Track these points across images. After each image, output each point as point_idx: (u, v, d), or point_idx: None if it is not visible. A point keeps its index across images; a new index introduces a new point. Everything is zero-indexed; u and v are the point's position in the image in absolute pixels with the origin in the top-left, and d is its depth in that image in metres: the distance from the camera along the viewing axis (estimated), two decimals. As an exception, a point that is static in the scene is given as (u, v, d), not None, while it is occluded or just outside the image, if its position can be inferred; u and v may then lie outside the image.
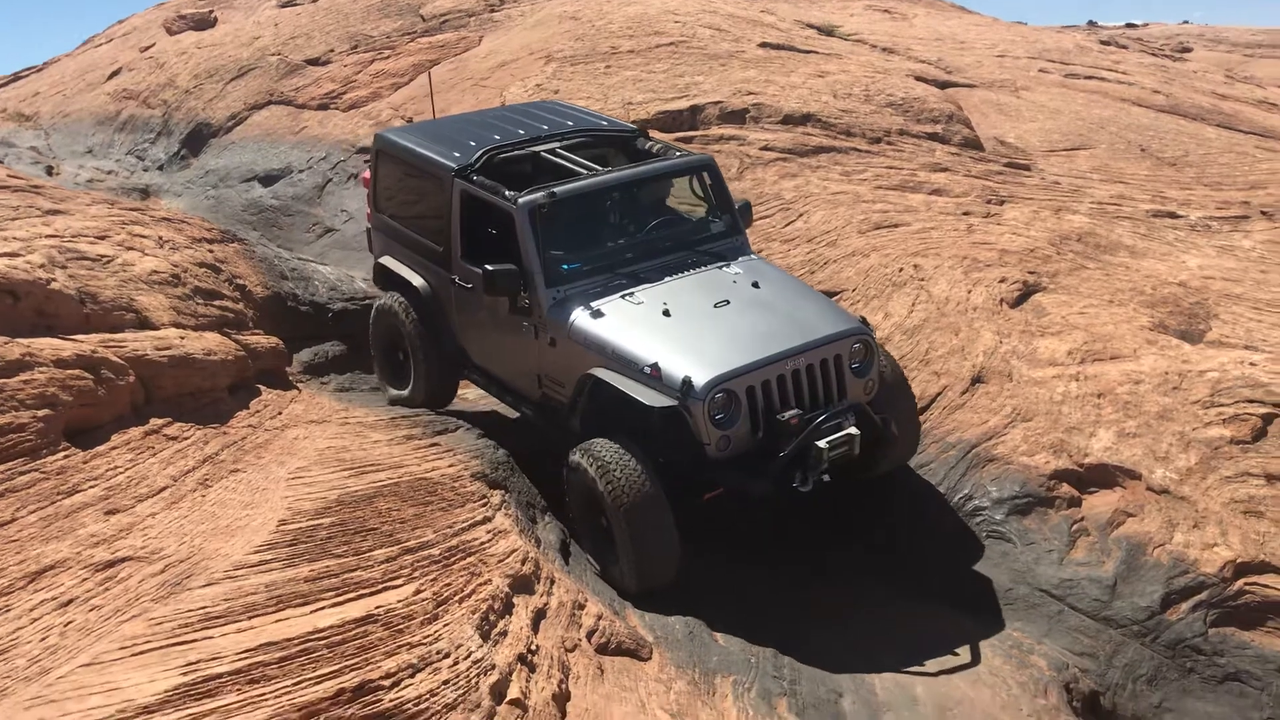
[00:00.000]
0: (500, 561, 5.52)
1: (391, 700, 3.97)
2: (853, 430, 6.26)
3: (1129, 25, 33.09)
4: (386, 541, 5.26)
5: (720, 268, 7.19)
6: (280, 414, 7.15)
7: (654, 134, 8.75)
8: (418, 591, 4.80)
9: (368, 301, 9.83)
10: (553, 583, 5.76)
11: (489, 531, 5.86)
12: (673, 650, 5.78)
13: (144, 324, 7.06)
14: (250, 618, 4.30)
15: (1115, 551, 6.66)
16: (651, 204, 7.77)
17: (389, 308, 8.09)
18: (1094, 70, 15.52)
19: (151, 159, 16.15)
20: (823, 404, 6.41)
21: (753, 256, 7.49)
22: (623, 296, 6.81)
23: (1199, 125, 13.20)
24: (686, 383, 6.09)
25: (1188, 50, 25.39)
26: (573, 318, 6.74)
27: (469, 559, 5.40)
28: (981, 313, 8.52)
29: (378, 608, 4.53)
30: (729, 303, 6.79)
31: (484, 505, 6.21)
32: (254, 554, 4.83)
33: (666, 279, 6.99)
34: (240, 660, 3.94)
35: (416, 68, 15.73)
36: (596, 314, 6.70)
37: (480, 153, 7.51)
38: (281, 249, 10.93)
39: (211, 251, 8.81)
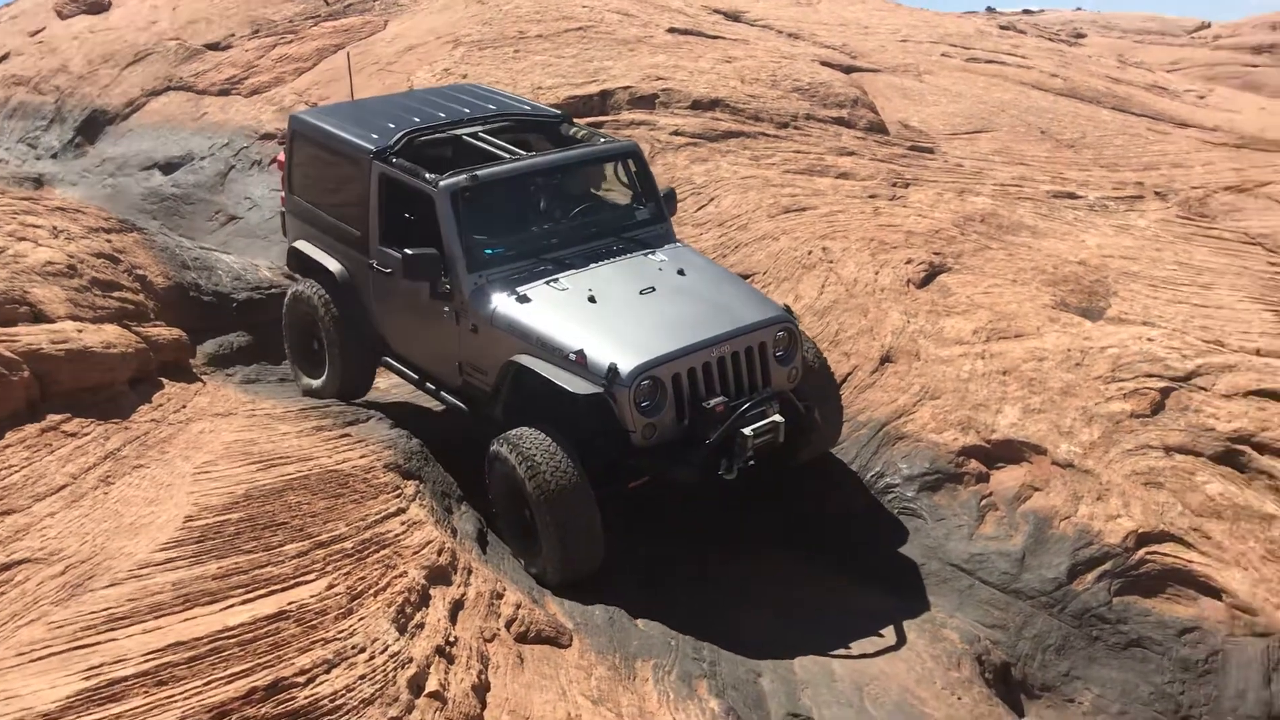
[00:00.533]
0: (415, 553, 5.45)
1: (306, 697, 3.89)
2: (777, 418, 6.30)
3: (1025, 11, 33.85)
4: (297, 536, 5.16)
5: (646, 255, 7.14)
6: (184, 407, 6.97)
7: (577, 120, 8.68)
8: (331, 586, 4.72)
9: (273, 291, 9.63)
10: (470, 573, 5.71)
11: (403, 523, 5.78)
12: (593, 637, 5.77)
13: (39, 317, 6.82)
14: (157, 618, 4.18)
15: (1023, 525, 6.81)
16: (578, 190, 7.68)
17: (304, 295, 7.89)
18: (994, 55, 15.82)
19: (44, 147, 15.59)
20: (747, 392, 6.41)
21: (678, 244, 7.46)
22: (547, 283, 6.72)
23: (1095, 108, 13.55)
24: (612, 369, 6.04)
25: (1082, 36, 26.03)
26: (495, 304, 6.64)
27: (383, 551, 5.33)
28: (889, 293, 8.64)
29: (290, 604, 4.44)
30: (654, 290, 6.76)
31: (398, 496, 6.12)
32: (159, 552, 4.70)
33: (591, 265, 6.92)
34: (147, 662, 3.83)
35: (320, 52, 15.40)
36: (520, 300, 6.60)
37: (400, 135, 7.36)
38: (183, 238, 10.63)
39: (109, 241, 8.54)
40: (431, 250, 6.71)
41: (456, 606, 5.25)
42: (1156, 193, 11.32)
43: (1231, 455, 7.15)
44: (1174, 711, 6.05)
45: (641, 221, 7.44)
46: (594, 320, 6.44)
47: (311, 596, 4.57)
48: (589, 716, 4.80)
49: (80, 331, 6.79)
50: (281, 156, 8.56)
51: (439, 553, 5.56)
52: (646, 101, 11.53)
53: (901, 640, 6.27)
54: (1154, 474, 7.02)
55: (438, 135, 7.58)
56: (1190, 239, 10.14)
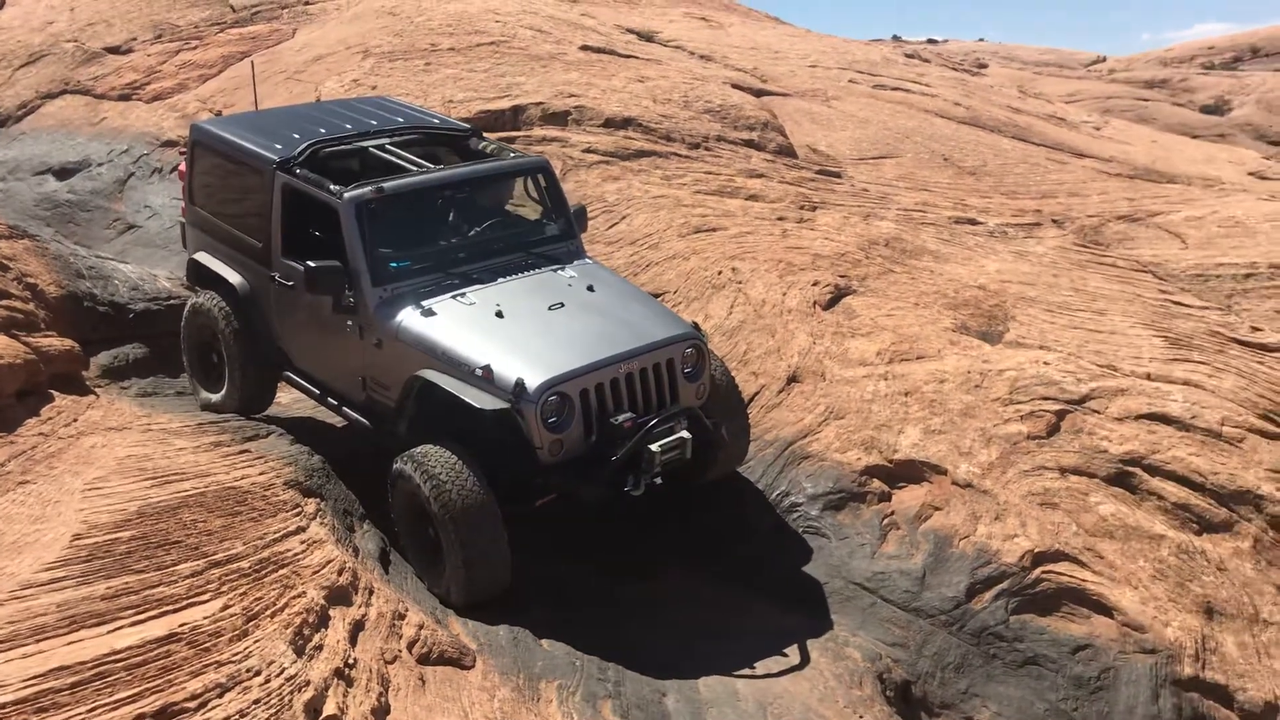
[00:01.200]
0: (315, 573, 5.33)
1: (197, 723, 3.77)
2: (684, 434, 6.29)
3: (930, 41, 34.70)
4: (192, 555, 5.01)
5: (555, 270, 7.11)
6: (75, 421, 6.74)
7: (488, 135, 8.62)
8: (225, 607, 4.59)
9: (172, 301, 9.38)
10: (371, 593, 5.61)
11: (303, 542, 5.66)
12: (497, 657, 5.71)
13: (-81, 326, 6.54)
14: (39, 641, 4.02)
15: (923, 544, 6.93)
16: (486, 205, 7.61)
17: (203, 307, 7.70)
18: (900, 82, 16.17)
19: (-71, 149, 14.99)
20: (655, 408, 6.40)
21: (588, 260, 7.43)
22: (453, 297, 6.64)
23: (996, 137, 13.92)
24: (519, 385, 5.98)
25: (984, 66, 26.78)
26: (400, 318, 6.53)
27: (281, 571, 5.20)
28: (796, 315, 8.74)
29: (182, 625, 4.31)
30: (563, 305, 6.71)
31: (298, 515, 6.00)
32: (44, 571, 4.52)
33: (499, 280, 6.86)
34: (26, 688, 3.67)
35: (226, 59, 15.10)
36: (426, 313, 6.50)
37: (304, 146, 7.25)
38: (78, 246, 10.30)
39: (-3, 249, 8.23)
40: (335, 263, 6.59)
41: (357, 627, 5.15)
42: (1054, 220, 11.67)
43: (1123, 476, 7.36)
44: (1067, 728, 6.19)
45: (551, 237, 7.39)
46: (501, 335, 6.37)
47: (205, 618, 4.44)
48: (491, 739, 4.73)
49: (-36, 341, 6.52)
50: (183, 166, 8.34)
51: (339, 572, 5.45)
52: (559, 118, 11.53)
53: (805, 659, 6.31)
54: (1049, 495, 7.20)
55: (343, 147, 7.47)
56: (1085, 266, 10.45)
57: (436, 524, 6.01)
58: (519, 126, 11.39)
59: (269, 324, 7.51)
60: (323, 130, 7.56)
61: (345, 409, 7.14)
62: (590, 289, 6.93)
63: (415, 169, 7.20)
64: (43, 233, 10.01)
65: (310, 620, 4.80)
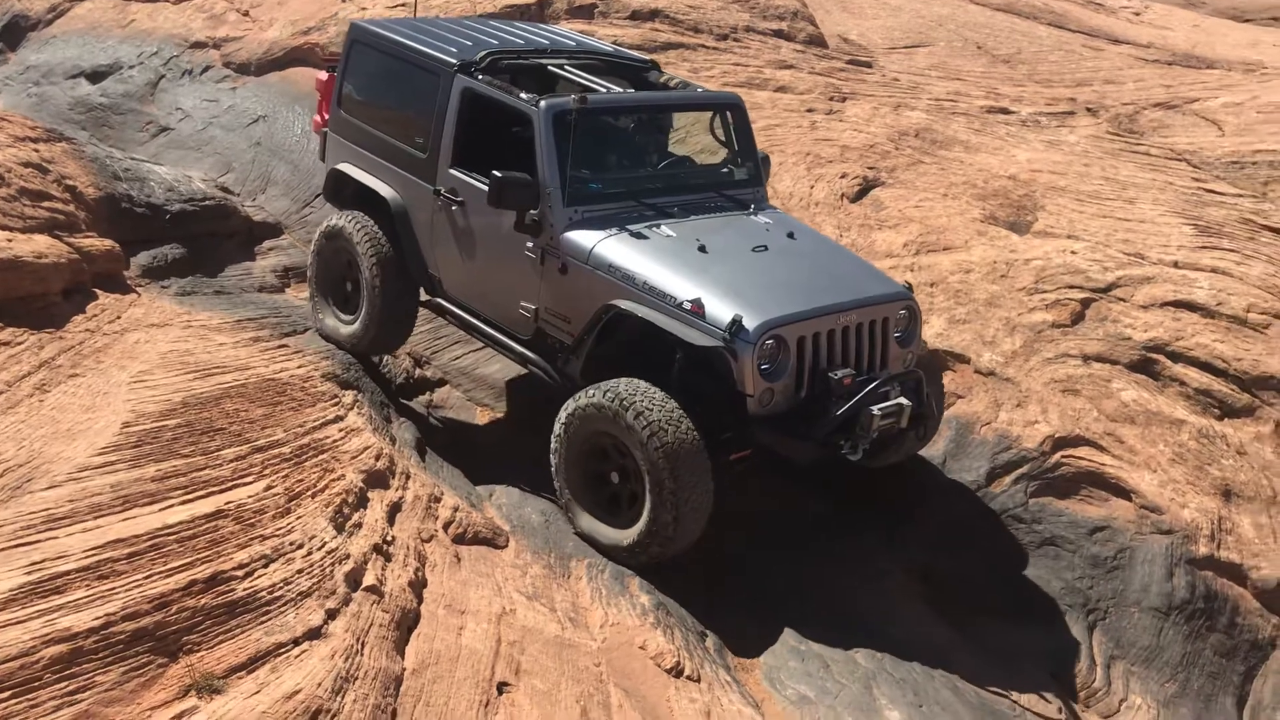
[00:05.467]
0: (354, 458, 5.56)
1: (245, 589, 4.02)
2: (903, 400, 5.78)
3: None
4: (235, 441, 5.24)
5: (747, 214, 6.60)
6: (119, 318, 6.95)
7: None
8: (269, 488, 4.82)
9: (208, 202, 9.53)
10: (408, 478, 5.84)
11: (341, 430, 5.88)
12: (529, 538, 5.95)
13: (-35, 227, 6.74)
14: (96, 518, 4.26)
15: (945, 431, 7.05)
16: (667, 140, 7.22)
17: (342, 230, 7.08)
18: (935, -31, 15.82)
19: (-37, 54, 15.09)
20: (865, 369, 5.90)
21: (777, 210, 6.97)
22: (650, 226, 6.13)
23: (1031, 24, 13.66)
24: (736, 323, 5.43)
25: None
26: (592, 243, 5.98)
27: (321, 456, 5.43)
28: (824, 207, 8.77)
29: (228, 503, 4.55)
30: (766, 249, 6.22)
31: (335, 404, 6.21)
32: (98, 456, 4.76)
33: (693, 217, 6.36)
34: (88, 558, 3.92)
35: (251, -42, 14.98)
36: (624, 240, 5.96)
37: (485, 52, 6.72)
38: (114, 149, 10.45)
39: (37, 151, 8.38)
40: (525, 175, 6.06)
41: (394, 509, 5.39)
42: (1088, 109, 11.51)
43: (1146, 363, 7.44)
44: (1083, 605, 6.37)
45: (740, 181, 6.91)
46: (708, 270, 5.83)
47: (250, 497, 4.67)
48: (523, 610, 4.98)
49: (10, 241, 6.72)
50: (322, 75, 7.94)
51: (376, 458, 5.68)
52: (585, 11, 11.45)
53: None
54: (1072, 381, 7.29)
55: (522, 61, 6.91)
56: (1118, 155, 10.35)
57: (648, 468, 5.46)
58: (544, 20, 11.32)
59: (423, 245, 6.88)
60: (494, 42, 7.04)
61: (509, 341, 6.54)
62: (791, 235, 6.47)
63: (607, 89, 6.64)
64: (79, 136, 10.15)
65: (349, 500, 5.03)
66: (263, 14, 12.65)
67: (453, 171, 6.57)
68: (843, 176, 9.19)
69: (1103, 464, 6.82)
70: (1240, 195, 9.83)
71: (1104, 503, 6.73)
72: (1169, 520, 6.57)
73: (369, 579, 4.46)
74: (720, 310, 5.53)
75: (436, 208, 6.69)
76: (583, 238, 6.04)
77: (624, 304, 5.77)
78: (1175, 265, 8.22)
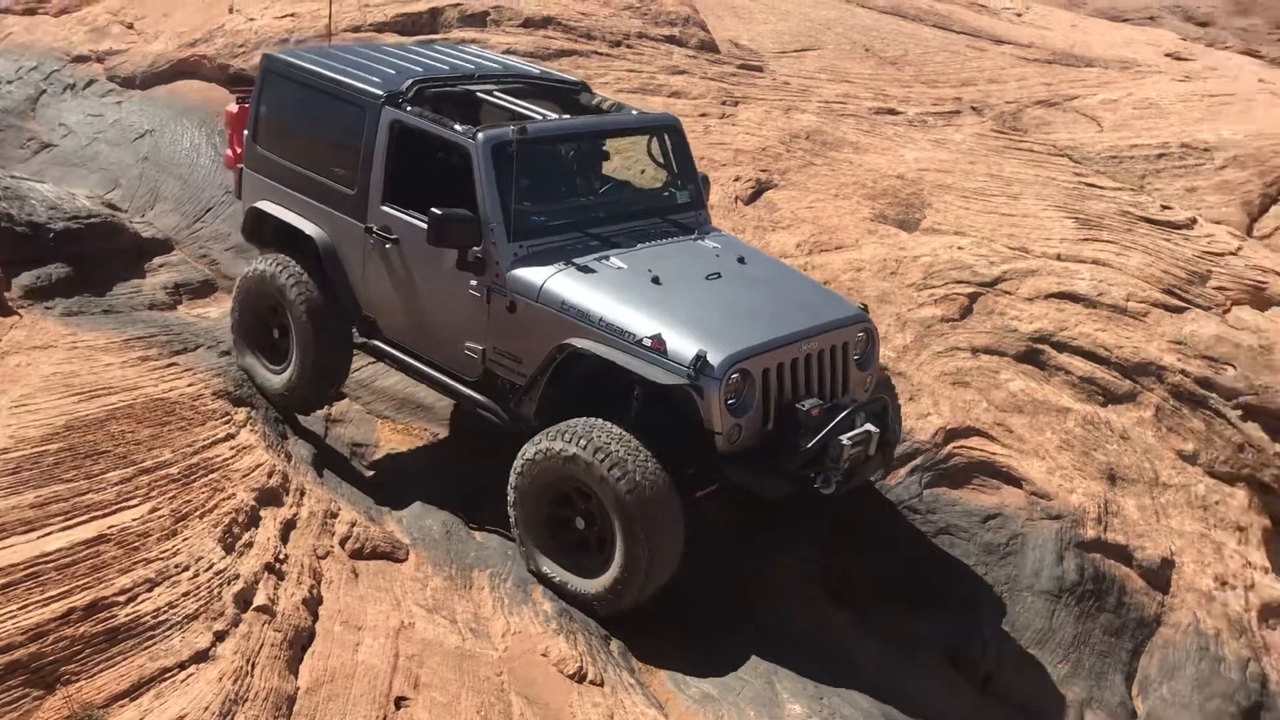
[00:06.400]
0: (245, 476, 5.47)
1: (127, 615, 3.93)
2: (870, 427, 5.63)
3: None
4: (120, 463, 5.12)
5: (695, 240, 6.41)
6: (-2, 341, 6.75)
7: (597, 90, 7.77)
8: (154, 510, 4.73)
9: (93, 219, 9.27)
10: (303, 494, 5.76)
11: (232, 448, 5.78)
12: (430, 550, 5.91)
13: None
14: (-31, 549, 4.13)
15: (841, 426, 7.16)
16: (600, 166, 6.94)
17: (266, 275, 6.66)
18: (824, -28, 16.09)
19: None
20: (828, 396, 5.75)
21: (720, 232, 6.81)
22: (599, 258, 5.89)
23: (917, 26, 13.97)
24: (700, 359, 5.21)
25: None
26: (541, 278, 5.73)
27: (211, 475, 5.34)
28: (719, 210, 8.85)
29: (111, 528, 4.45)
30: (720, 276, 6.01)
31: (227, 422, 6.11)
32: (-29, 485, 4.61)
33: (641, 245, 6.13)
34: (-41, 591, 3.80)
35: (133, -31, 14.63)
36: (574, 275, 5.73)
37: (410, 82, 6.38)
38: (-10, 167, 10.13)
39: (-94, 171, 8.10)
40: (466, 212, 5.77)
41: (288, 526, 5.31)
42: (973, 108, 11.82)
43: (1032, 354, 7.67)
44: (978, 591, 6.50)
45: (682, 205, 6.68)
46: (665, 303, 5.61)
47: (134, 520, 4.58)
48: (423, 623, 4.95)
49: (-123, 265, 6.49)
50: (232, 107, 7.58)
51: (269, 475, 5.60)
52: (478, 19, 11.39)
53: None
54: (961, 374, 7.47)
55: (449, 89, 6.56)
56: (1002, 152, 10.65)
57: (612, 510, 5.25)
58: (437, 29, 11.25)
59: (355, 286, 6.52)
60: (419, 69, 6.70)
61: (455, 384, 6.22)
62: (741, 261, 6.27)
63: (542, 116, 6.38)
64: (-47, 154, 9.82)
65: (240, 520, 4.95)
66: (147, 26, 12.35)
67: (385, 209, 6.23)
68: (736, 179, 9.29)
69: (993, 453, 7.00)
70: (1119, 189, 10.20)
71: (996, 491, 6.90)
72: (1058, 506, 6.77)
73: (260, 598, 4.40)
74: (683, 346, 5.31)
75: (369, 246, 6.34)
76: (530, 274, 5.78)
77: (580, 343, 5.51)
78: (1058, 258, 8.48)
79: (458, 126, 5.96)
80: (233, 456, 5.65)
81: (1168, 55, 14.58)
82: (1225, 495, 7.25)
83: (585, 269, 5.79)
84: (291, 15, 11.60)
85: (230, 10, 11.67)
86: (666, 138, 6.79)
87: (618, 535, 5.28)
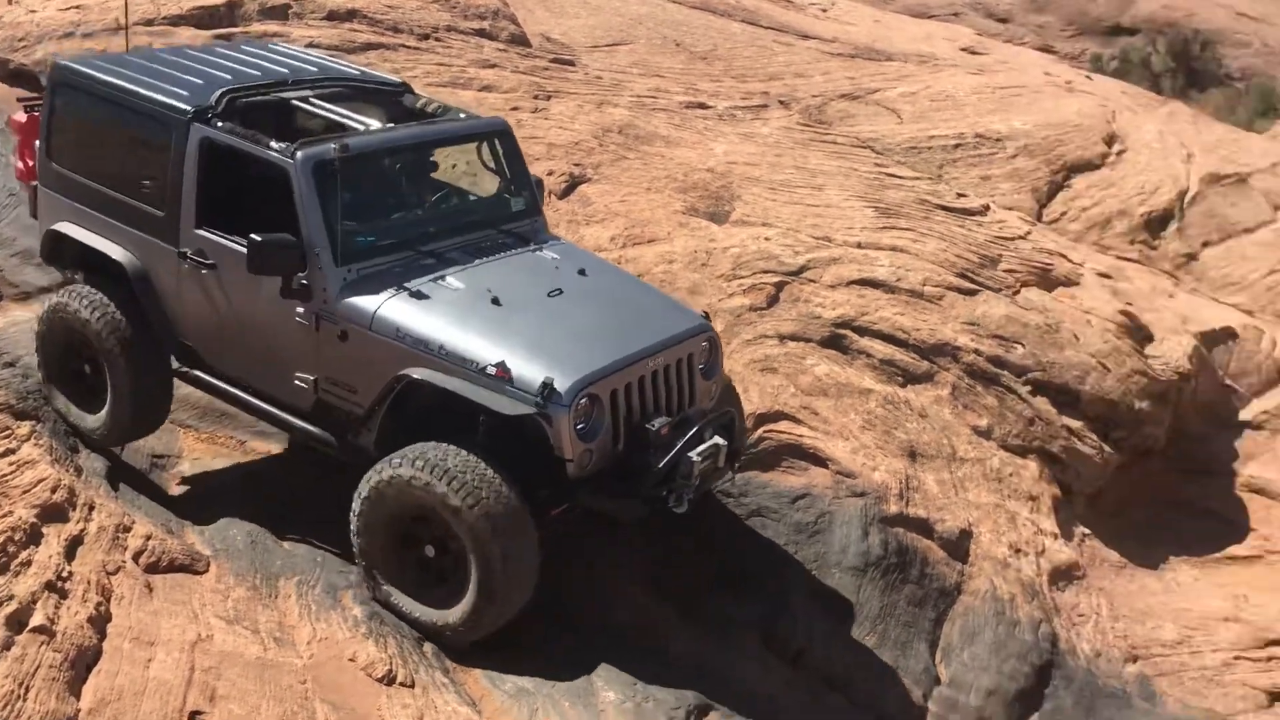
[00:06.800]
0: (25, 493, 5.19)
1: (-120, 647, 3.68)
2: (718, 440, 5.62)
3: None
4: (-122, 485, 4.78)
5: (534, 251, 6.19)
6: None
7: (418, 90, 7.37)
8: (-83, 532, 4.43)
9: None
10: (92, 509, 5.50)
11: (12, 463, 5.48)
12: (233, 560, 5.72)
13: None
14: None
15: (654, 415, 7.25)
16: (432, 176, 6.62)
17: (67, 309, 6.12)
18: (635, -32, 16.26)
19: None
20: (675, 410, 5.70)
21: (559, 240, 6.61)
22: (434, 280, 5.62)
23: (726, 21, 14.27)
24: (547, 386, 5.11)
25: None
26: (374, 305, 5.45)
27: (-14, 493, 5.03)
28: (531, 204, 8.85)
29: None
30: (562, 292, 5.83)
31: (7, 438, 5.77)
32: None
33: (477, 262, 5.89)
34: None
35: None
36: (409, 299, 5.46)
37: (219, 93, 5.95)
38: None
39: None
40: (289, 237, 5.43)
41: (75, 542, 5.06)
42: (780, 101, 12.13)
43: (836, 339, 7.92)
44: (789, 570, 6.69)
45: (518, 213, 6.46)
46: (507, 326, 5.45)
47: (-108, 545, 4.28)
48: (222, 635, 4.79)
49: None
50: (19, 116, 6.95)
51: (53, 490, 5.32)
52: (279, 12, 11.06)
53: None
54: (769, 361, 7.66)
55: (262, 98, 6.19)
56: (808, 144, 10.98)
57: (467, 537, 5.07)
58: (236, 22, 10.86)
59: (171, 313, 6.09)
60: (228, 77, 6.26)
61: (286, 416, 5.91)
62: (582, 273, 6.10)
63: (363, 127, 6.03)
64: None
65: (17, 538, 4.68)
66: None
67: (200, 232, 5.82)
68: (550, 174, 9.28)
69: (800, 436, 7.20)
70: (917, 178, 10.64)
71: (804, 472, 7.09)
72: (862, 483, 7.01)
73: (37, 619, 4.17)
74: (529, 372, 5.18)
75: (183, 272, 5.91)
76: (362, 300, 5.47)
77: (420, 373, 5.29)
78: (859, 246, 8.79)
79: (274, 144, 5.59)
80: (12, 473, 5.34)
81: (963, 50, 15.29)
82: (1018, 467, 7.66)
83: (420, 293, 5.51)
84: (77, 7, 11.01)
85: (9, 1, 11.00)
86: (497, 143, 6.57)
87: (471, 561, 5.11)
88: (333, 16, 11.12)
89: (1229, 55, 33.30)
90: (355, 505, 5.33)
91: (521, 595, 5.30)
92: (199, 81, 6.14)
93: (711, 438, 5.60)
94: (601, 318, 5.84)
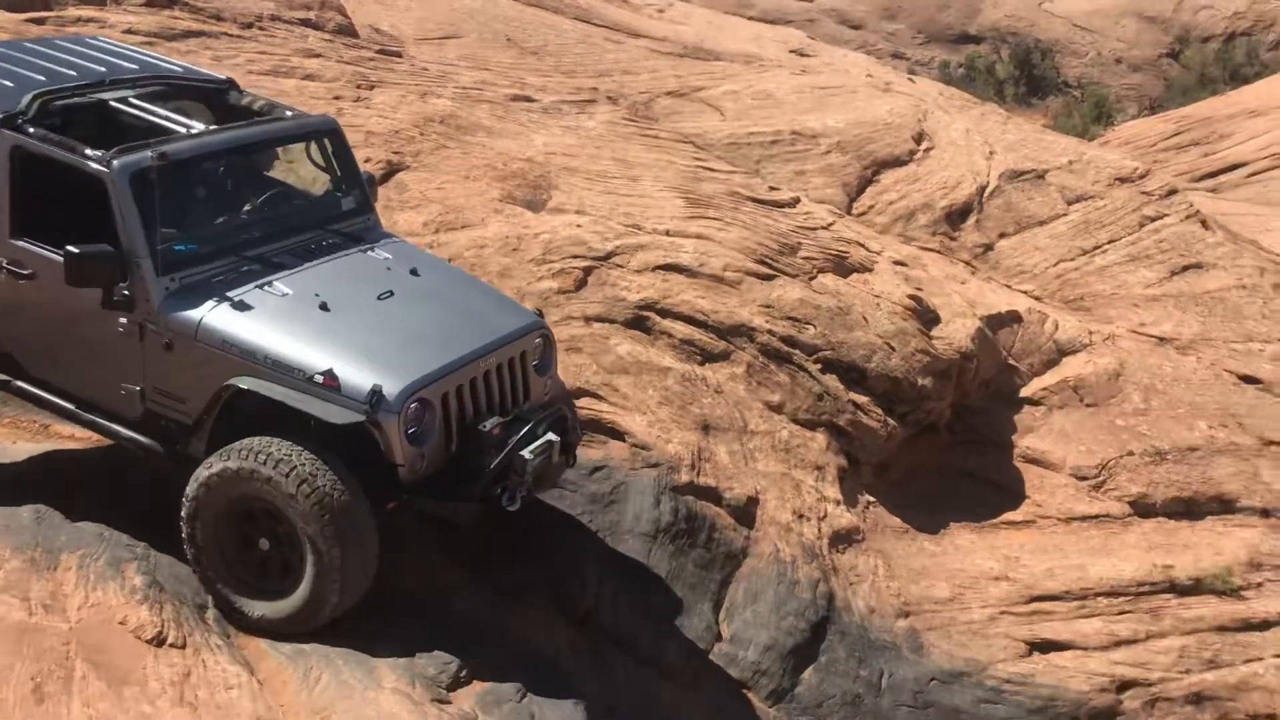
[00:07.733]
0: None
1: None
2: (551, 436, 5.76)
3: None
4: None
5: (365, 252, 6.16)
6: None
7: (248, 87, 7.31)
8: None
9: None
10: None
11: None
12: (15, 536, 5.69)
13: None
14: None
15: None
16: (264, 174, 6.53)
17: None
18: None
19: None
20: (510, 408, 5.78)
21: (393, 238, 6.58)
22: (260, 286, 5.58)
23: (558, 18, 14.56)
24: (376, 393, 5.13)
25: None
26: (198, 314, 5.40)
27: None
28: (345, 191, 8.96)
29: None
30: (393, 294, 5.83)
31: None
32: None
33: (305, 265, 5.84)
34: None
35: None
36: (234, 307, 5.42)
37: (30, 98, 5.74)
38: None
39: None
40: (107, 248, 5.31)
41: None
42: (609, 97, 12.46)
43: (639, 320, 8.26)
44: (583, 537, 6.98)
45: (348, 212, 6.43)
46: (335, 332, 5.46)
47: None
48: (-16, 606, 4.83)
49: None
50: None
51: None
52: (96, -3, 10.94)
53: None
54: (575, 341, 7.95)
55: (77, 100, 6.02)
56: (630, 138, 11.31)
57: (300, 525, 5.08)
58: (50, 6, 10.70)
59: None
60: (41, 78, 6.03)
61: (113, 425, 5.78)
62: (414, 273, 6.11)
63: (184, 130, 5.92)
64: None
65: None
66: None
67: (16, 243, 5.65)
68: (367, 161, 9.38)
69: (600, 411, 7.51)
70: (734, 172, 11.08)
71: (603, 445, 7.40)
72: (656, 455, 7.36)
73: None
74: (357, 379, 5.19)
75: (1, 283, 5.75)
76: (186, 310, 5.41)
77: (247, 383, 5.27)
78: (666, 234, 9.15)
79: (89, 152, 5.45)
80: None
81: (792, 51, 15.88)
82: (806, 439, 8.11)
83: (246, 301, 5.48)
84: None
85: None
86: (327, 142, 6.54)
87: (307, 552, 5.12)
88: (152, 3, 11.06)
89: (1066, 64, 35.14)
90: (184, 508, 5.32)
91: (362, 581, 5.33)
92: (9, 83, 5.98)
93: (545, 434, 5.74)
94: (433, 319, 5.89)
